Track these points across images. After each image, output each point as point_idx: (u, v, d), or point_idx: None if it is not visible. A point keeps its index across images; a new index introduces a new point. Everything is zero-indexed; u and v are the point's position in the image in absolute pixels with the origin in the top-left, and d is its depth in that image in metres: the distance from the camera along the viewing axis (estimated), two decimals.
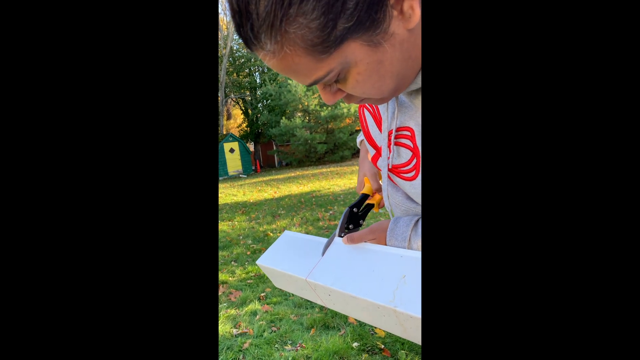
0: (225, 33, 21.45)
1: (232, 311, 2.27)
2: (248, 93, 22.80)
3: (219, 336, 1.97)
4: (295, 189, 8.16)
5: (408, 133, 0.54)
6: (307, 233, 3.96)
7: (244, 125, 24.00)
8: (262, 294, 2.48)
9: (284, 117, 16.82)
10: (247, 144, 21.05)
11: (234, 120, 27.41)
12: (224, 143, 15.72)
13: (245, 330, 2.01)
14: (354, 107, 15.80)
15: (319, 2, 0.36)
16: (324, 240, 0.64)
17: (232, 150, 16.03)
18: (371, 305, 0.50)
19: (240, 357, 1.77)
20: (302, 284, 0.61)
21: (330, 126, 16.38)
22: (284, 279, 0.66)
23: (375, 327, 1.88)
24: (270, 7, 0.36)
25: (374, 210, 0.75)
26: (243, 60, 22.96)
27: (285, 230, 0.73)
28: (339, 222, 0.67)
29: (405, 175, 0.55)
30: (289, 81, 16.24)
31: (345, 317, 2.02)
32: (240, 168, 16.32)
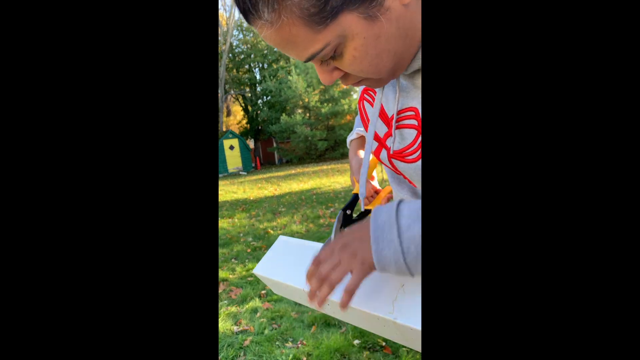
0: (225, 29, 21.39)
1: (233, 308, 2.27)
2: (248, 89, 22.77)
3: (220, 333, 1.97)
4: (295, 186, 8.16)
5: (412, 113, 0.53)
6: (308, 230, 3.97)
7: (244, 122, 23.99)
8: (263, 292, 2.48)
9: (284, 114, 16.82)
10: (247, 141, 21.04)
11: (233, 116, 27.39)
12: (223, 140, 15.72)
13: (246, 328, 2.02)
14: (354, 103, 15.79)
15: None
16: (320, 245, 0.62)
17: (232, 147, 16.02)
18: (370, 316, 0.49)
19: (241, 354, 1.77)
20: (301, 294, 0.59)
21: (330, 123, 16.39)
22: (282, 287, 0.65)
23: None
24: None
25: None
26: (243, 56, 22.91)
27: (280, 236, 0.71)
28: (333, 226, 0.65)
29: (409, 157, 0.54)
30: (289, 77, 16.21)
31: None
32: (240, 165, 16.31)
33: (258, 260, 3.15)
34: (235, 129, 25.22)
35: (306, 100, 16.13)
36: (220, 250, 3.58)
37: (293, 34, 0.40)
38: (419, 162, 0.53)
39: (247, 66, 23.23)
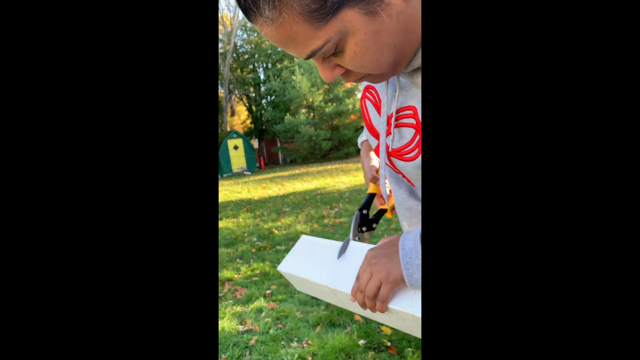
0: (229, 29, 21.43)
1: (238, 308, 2.28)
2: (252, 89, 22.80)
3: (225, 332, 1.98)
4: (299, 186, 8.16)
5: (410, 112, 0.53)
6: (312, 230, 3.97)
7: (248, 121, 24.04)
8: (268, 291, 2.49)
9: (288, 114, 16.83)
10: (251, 141, 21.09)
11: (237, 116, 27.45)
12: (227, 140, 15.75)
13: (251, 327, 2.02)
14: (359, 103, 15.76)
15: None
16: (340, 244, 0.65)
17: (236, 147, 16.05)
18: (391, 310, 0.51)
19: (247, 353, 1.78)
20: (324, 289, 0.62)
21: (335, 122, 16.37)
22: (305, 284, 0.67)
23: (381, 325, 1.88)
24: None
25: (387, 215, 0.74)
26: (247, 56, 22.94)
27: (302, 235, 0.74)
28: (351, 226, 0.68)
29: (407, 156, 0.55)
30: (293, 77, 16.22)
31: (351, 315, 2.02)
32: (244, 165, 16.34)
33: (263, 260, 3.16)
34: (240, 128, 25.29)
35: (310, 99, 16.13)
36: (225, 250, 3.59)
37: (294, 30, 0.40)
38: (417, 161, 0.53)
39: (251, 66, 23.26)
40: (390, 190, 0.74)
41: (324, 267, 0.63)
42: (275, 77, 20.26)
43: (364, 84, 0.63)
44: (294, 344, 1.81)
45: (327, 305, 2.18)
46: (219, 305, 2.37)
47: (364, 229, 0.69)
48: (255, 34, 22.69)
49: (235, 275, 2.87)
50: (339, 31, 0.40)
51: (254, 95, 22.61)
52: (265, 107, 21.12)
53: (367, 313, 0.57)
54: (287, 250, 3.35)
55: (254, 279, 2.76)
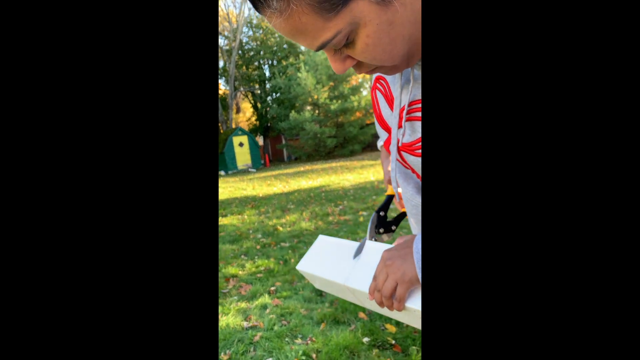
0: (235, 26, 21.44)
1: (243, 304, 2.29)
2: (257, 86, 22.82)
3: (230, 329, 1.99)
4: (304, 183, 8.17)
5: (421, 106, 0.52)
6: (317, 228, 3.97)
7: (253, 118, 24.08)
8: (272, 288, 2.49)
9: (293, 111, 16.82)
10: (256, 138, 21.13)
11: (243, 113, 27.49)
12: (233, 137, 15.78)
13: (256, 324, 2.03)
14: (364, 100, 15.73)
15: None
16: (357, 244, 0.66)
17: (241, 144, 16.09)
18: (408, 309, 0.52)
19: (251, 349, 1.79)
20: (342, 288, 0.64)
21: (340, 120, 16.34)
22: (323, 282, 0.69)
23: (385, 323, 1.88)
24: None
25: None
26: (252, 53, 22.95)
27: (320, 235, 0.75)
28: (368, 227, 0.68)
29: (417, 151, 0.53)
30: (299, 74, 16.20)
31: (356, 313, 2.02)
32: (249, 162, 16.38)
33: (267, 256, 3.17)
34: (245, 126, 25.33)
35: (315, 97, 16.11)
36: (230, 247, 3.60)
37: (303, 22, 0.39)
38: None
39: (256, 63, 23.28)
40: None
41: (341, 266, 0.64)
42: (281, 74, 20.26)
43: (376, 74, 0.63)
44: (299, 341, 1.82)
45: (332, 302, 2.19)
46: (224, 301, 2.38)
47: (381, 230, 0.69)
48: (261, 31, 22.68)
49: (240, 272, 2.88)
50: (349, 22, 0.39)
51: (259, 92, 22.63)
52: (271, 104, 21.13)
53: (385, 311, 0.58)
54: (292, 247, 3.36)
55: (258, 275, 2.77)
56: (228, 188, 9.00)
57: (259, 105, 22.78)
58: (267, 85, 22.04)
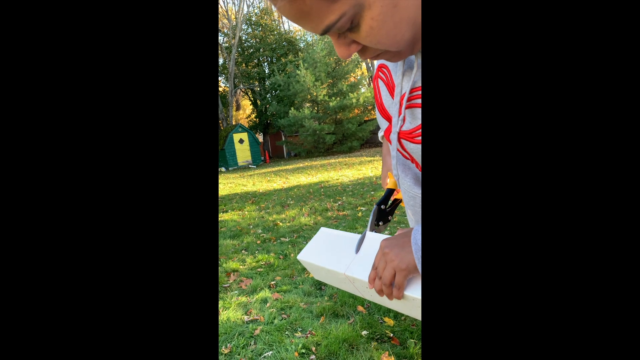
0: (234, 23, 21.35)
1: (243, 298, 2.31)
2: (257, 83, 22.76)
3: (231, 322, 2.01)
4: (303, 179, 8.17)
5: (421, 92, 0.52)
6: (316, 223, 3.99)
7: (253, 115, 24.03)
8: (272, 282, 2.51)
9: (292, 108, 16.78)
10: (256, 135, 21.10)
11: (242, 110, 27.44)
12: (233, 134, 15.77)
13: (256, 317, 2.05)
14: (362, 97, 15.70)
15: None
16: (358, 236, 0.67)
17: (241, 141, 16.08)
18: (407, 298, 0.53)
19: (252, 342, 1.81)
20: (342, 278, 0.64)
21: (338, 117, 16.32)
22: (323, 272, 0.69)
23: (384, 316, 1.90)
24: None
25: (402, 205, 0.75)
26: (252, 50, 22.87)
27: (322, 227, 0.76)
28: (369, 220, 0.70)
29: (417, 138, 0.53)
30: (298, 71, 16.17)
31: (355, 306, 2.04)
32: (249, 158, 16.38)
33: (268, 251, 3.19)
34: (245, 122, 25.30)
35: (314, 94, 16.08)
36: (231, 242, 3.62)
37: (307, 4, 0.38)
38: None
39: (256, 60, 23.21)
40: None
41: (341, 256, 0.65)
42: (280, 71, 20.21)
43: (378, 63, 0.62)
44: (298, 334, 1.84)
45: (331, 296, 2.21)
46: (225, 295, 2.40)
47: (380, 223, 0.71)
48: (260, 28, 22.61)
49: (241, 267, 2.90)
50: (354, 4, 0.39)
51: (258, 89, 22.57)
52: (270, 101, 21.07)
53: (384, 301, 0.59)
54: (292, 242, 3.37)
55: (259, 270, 2.79)
56: (229, 184, 9.01)
57: (258, 102, 22.73)
58: (267, 83, 21.99)
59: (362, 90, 17.19)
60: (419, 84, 0.52)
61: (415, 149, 0.55)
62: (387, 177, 0.78)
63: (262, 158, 17.82)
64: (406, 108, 0.55)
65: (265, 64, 23.44)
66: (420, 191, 0.61)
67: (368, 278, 0.57)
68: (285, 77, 18.30)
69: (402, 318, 1.87)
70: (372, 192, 5.30)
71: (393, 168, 0.62)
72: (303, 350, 1.69)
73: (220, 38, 22.52)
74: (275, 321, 1.98)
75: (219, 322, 2.03)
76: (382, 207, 0.71)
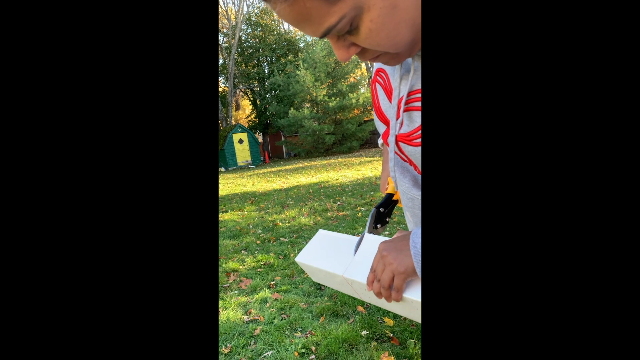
0: (234, 23, 21.35)
1: (243, 298, 2.31)
2: (256, 84, 22.76)
3: (231, 322, 2.02)
4: (303, 179, 8.18)
5: (420, 95, 0.52)
6: (316, 223, 3.99)
7: (253, 116, 24.03)
8: (272, 282, 2.52)
9: (292, 108, 16.79)
10: (256, 135, 21.11)
11: (242, 110, 27.44)
12: (232, 134, 15.77)
13: (256, 317, 2.05)
14: (362, 97, 15.71)
15: None
16: (356, 238, 0.67)
17: (240, 141, 16.08)
18: (405, 300, 0.53)
19: (252, 342, 1.81)
20: (340, 280, 0.64)
21: (338, 117, 16.32)
22: (322, 275, 0.69)
23: (383, 316, 1.91)
24: None
25: (399, 205, 0.75)
26: (252, 50, 22.88)
27: (320, 230, 0.76)
28: (367, 222, 0.70)
29: (416, 140, 0.53)
30: (298, 71, 16.17)
31: (354, 306, 2.05)
32: (249, 158, 16.38)
33: (267, 251, 3.19)
34: (244, 122, 25.30)
35: (314, 94, 16.08)
36: (230, 242, 3.62)
37: (307, 7, 0.39)
38: None
39: (255, 60, 23.21)
40: None
41: (340, 258, 0.65)
42: (280, 71, 20.21)
43: (376, 67, 0.63)
44: (298, 334, 1.84)
45: (331, 296, 2.21)
46: (225, 295, 2.40)
47: (378, 225, 0.71)
48: (260, 28, 22.62)
49: (241, 267, 2.90)
50: (353, 7, 0.39)
51: (258, 89, 22.58)
52: (270, 101, 21.08)
53: (383, 303, 0.59)
54: (291, 242, 3.38)
55: (258, 270, 2.79)
56: (228, 184, 9.00)
57: (258, 102, 22.73)
58: (266, 83, 22.00)
59: (362, 90, 17.20)
60: (417, 87, 0.52)
61: (413, 152, 0.55)
62: (387, 183, 0.79)
63: (262, 158, 17.83)
64: (404, 111, 0.55)
65: (265, 64, 23.45)
66: (418, 193, 0.62)
67: (366, 280, 0.57)
68: (285, 77, 18.31)
69: (402, 318, 1.88)
70: (371, 193, 5.30)
71: (390, 170, 0.62)
72: (303, 350, 1.69)
73: (220, 38, 22.51)
74: (275, 321, 1.99)
75: (219, 322, 2.03)
76: (382, 209, 0.71)
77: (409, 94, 0.54)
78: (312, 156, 16.55)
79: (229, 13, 23.10)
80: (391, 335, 1.74)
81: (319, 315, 2.00)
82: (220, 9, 23.00)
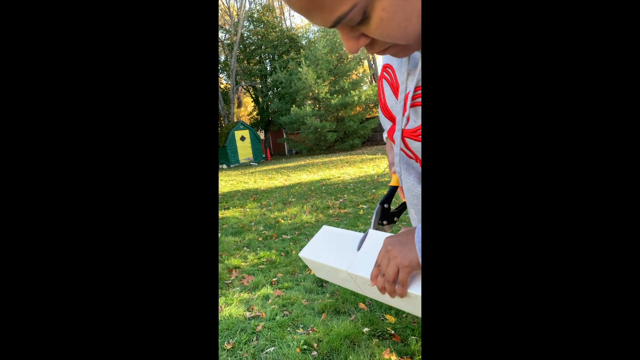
0: (236, 20, 21.31)
1: (245, 295, 2.32)
2: (258, 81, 22.75)
3: (233, 319, 2.03)
4: (305, 177, 8.18)
5: None
6: (318, 220, 4.00)
7: (255, 113, 24.03)
8: (274, 279, 2.53)
9: (294, 105, 16.79)
10: (258, 132, 21.12)
11: (244, 108, 27.44)
12: (234, 131, 15.79)
13: (258, 314, 2.06)
14: (364, 95, 15.69)
15: None
16: (360, 234, 0.67)
17: (242, 138, 16.10)
18: (410, 295, 0.53)
19: (254, 339, 1.82)
20: (344, 275, 0.64)
21: (340, 114, 16.31)
22: (325, 270, 0.69)
23: (385, 313, 1.91)
24: None
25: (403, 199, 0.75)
26: (254, 47, 22.84)
27: (324, 225, 0.76)
28: (372, 219, 0.70)
29: (421, 136, 0.54)
30: (300, 69, 16.15)
31: (356, 303, 2.06)
32: (251, 156, 16.40)
33: (269, 248, 3.20)
34: (246, 120, 25.30)
35: (316, 91, 16.06)
36: (233, 239, 3.64)
37: None
38: None
39: (257, 57, 23.18)
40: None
41: (343, 254, 0.65)
42: (282, 68, 20.17)
43: (383, 63, 0.63)
44: (300, 331, 1.85)
45: (332, 293, 2.22)
46: (227, 292, 2.41)
47: (384, 222, 0.70)
48: (262, 25, 22.59)
49: (243, 263, 2.91)
50: None
51: (260, 86, 22.57)
52: (272, 98, 21.07)
53: (386, 298, 0.58)
54: (293, 240, 3.39)
55: (260, 266, 2.80)
56: (230, 181, 9.02)
57: (260, 99, 22.72)
58: (268, 80, 21.97)
59: (364, 87, 17.18)
60: (421, 83, 0.52)
61: (419, 147, 0.55)
62: (393, 175, 0.78)
63: (264, 155, 17.84)
64: (410, 107, 0.55)
65: (267, 61, 23.42)
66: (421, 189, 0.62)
67: (370, 275, 0.57)
68: (287, 74, 18.29)
69: (403, 315, 1.88)
70: (373, 190, 5.30)
71: (395, 165, 0.63)
72: (305, 347, 1.70)
73: (222, 35, 22.51)
74: (277, 317, 2.00)
75: (222, 319, 2.05)
76: (386, 205, 0.70)
77: (416, 89, 0.54)
78: (313, 153, 16.54)
79: (231, 10, 23.05)
80: (393, 332, 1.75)
81: (320, 312, 2.01)
82: (222, 6, 22.98)
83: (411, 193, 0.64)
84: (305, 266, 2.70)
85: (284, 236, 3.56)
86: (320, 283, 2.39)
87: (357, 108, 16.61)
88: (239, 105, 26.05)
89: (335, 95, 16.00)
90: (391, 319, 1.86)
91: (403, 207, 0.74)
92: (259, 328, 1.90)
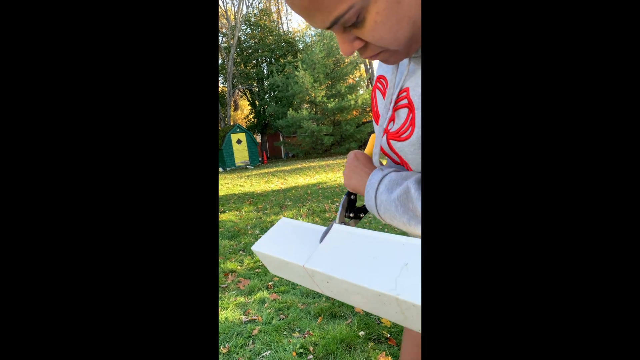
0: (233, 23, 21.35)
1: (241, 299, 2.32)
2: (255, 84, 22.76)
3: (229, 322, 2.02)
4: (301, 180, 8.18)
5: (404, 93, 0.55)
6: (314, 224, 3.99)
7: (251, 116, 24.01)
8: (270, 283, 2.52)
9: (290, 109, 16.81)
10: (254, 135, 21.09)
11: (241, 111, 27.43)
12: (231, 134, 15.77)
13: (254, 317, 2.06)
14: (361, 99, 15.74)
15: None
16: (322, 228, 0.63)
17: (239, 142, 16.08)
18: (371, 293, 0.49)
19: (250, 342, 1.82)
20: (300, 271, 0.59)
21: (337, 118, 16.36)
22: (280, 265, 0.64)
23: (381, 317, 1.92)
24: None
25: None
26: (250, 51, 22.88)
27: (282, 217, 0.71)
28: (338, 210, 0.66)
29: (403, 135, 0.56)
30: (296, 72, 16.19)
31: (352, 307, 2.06)
32: (247, 159, 16.38)
33: None
34: (243, 123, 25.27)
35: (313, 95, 16.10)
36: (229, 242, 3.63)
37: None
38: (412, 138, 0.54)
39: (254, 61, 23.21)
40: None
41: (302, 248, 0.60)
42: (279, 72, 20.23)
43: (377, 74, 0.65)
44: (296, 334, 1.85)
45: (329, 297, 2.22)
46: (223, 295, 2.41)
47: (351, 215, 0.68)
48: (259, 29, 22.64)
49: (239, 267, 2.91)
50: None
51: (257, 90, 22.57)
52: (269, 101, 21.07)
53: (348, 298, 0.55)
54: None
55: (256, 270, 2.80)
56: (226, 184, 9.00)
57: (256, 102, 22.73)
58: (265, 83, 22.00)
59: (361, 92, 17.24)
60: (405, 86, 0.55)
61: (402, 147, 0.57)
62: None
63: (260, 159, 17.83)
64: (393, 110, 0.57)
65: (264, 64, 23.45)
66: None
67: (329, 270, 0.53)
68: (284, 78, 18.33)
69: None
70: None
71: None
72: (301, 350, 1.70)
73: (219, 38, 22.51)
74: (274, 321, 2.00)
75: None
76: (352, 197, 0.68)
77: (399, 92, 0.56)
78: (310, 157, 16.55)
79: (229, 13, 23.10)
80: (388, 335, 1.76)
81: (317, 316, 2.01)
82: (219, 9, 22.99)
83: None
84: None
85: None
86: None
87: (354, 112, 16.66)
88: (236, 109, 26.03)
89: (332, 99, 16.05)
90: (387, 322, 1.87)
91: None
92: (255, 332, 1.90)
